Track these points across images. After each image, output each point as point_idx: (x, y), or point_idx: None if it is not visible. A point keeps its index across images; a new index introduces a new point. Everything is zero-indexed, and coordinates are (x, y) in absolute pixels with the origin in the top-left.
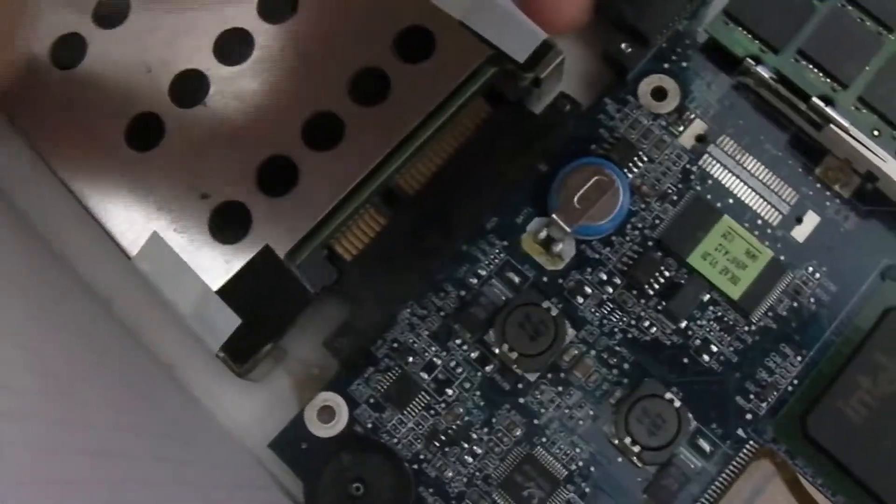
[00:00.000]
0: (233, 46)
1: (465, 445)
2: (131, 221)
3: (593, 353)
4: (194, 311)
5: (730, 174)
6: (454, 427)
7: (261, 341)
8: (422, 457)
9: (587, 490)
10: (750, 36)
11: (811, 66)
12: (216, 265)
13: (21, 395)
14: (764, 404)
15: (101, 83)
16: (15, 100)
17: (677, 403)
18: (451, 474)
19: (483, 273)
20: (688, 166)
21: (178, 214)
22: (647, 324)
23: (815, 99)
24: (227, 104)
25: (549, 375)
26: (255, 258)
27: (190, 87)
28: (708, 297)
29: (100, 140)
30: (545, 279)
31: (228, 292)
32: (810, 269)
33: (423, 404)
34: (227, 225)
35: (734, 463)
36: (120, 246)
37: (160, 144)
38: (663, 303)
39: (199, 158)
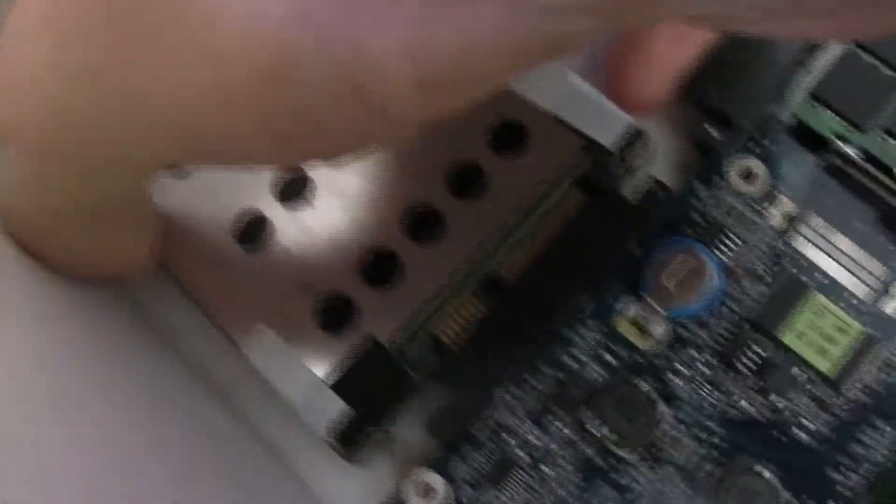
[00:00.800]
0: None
1: None
2: (240, 316)
3: (688, 431)
4: (303, 401)
5: (820, 252)
6: None
7: (368, 428)
8: None
9: None
10: (836, 116)
11: None
12: (323, 356)
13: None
14: (858, 477)
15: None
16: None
17: (773, 480)
18: None
19: (578, 354)
20: (778, 246)
21: (284, 305)
22: (741, 401)
23: None
24: (331, 202)
25: (644, 452)
26: (361, 347)
27: (295, 186)
28: (801, 373)
29: (212, 241)
30: (640, 359)
31: (339, 384)
32: None
33: (520, 483)
34: (331, 315)
35: None
36: (232, 339)
37: (267, 244)
38: (757, 381)
39: (305, 254)
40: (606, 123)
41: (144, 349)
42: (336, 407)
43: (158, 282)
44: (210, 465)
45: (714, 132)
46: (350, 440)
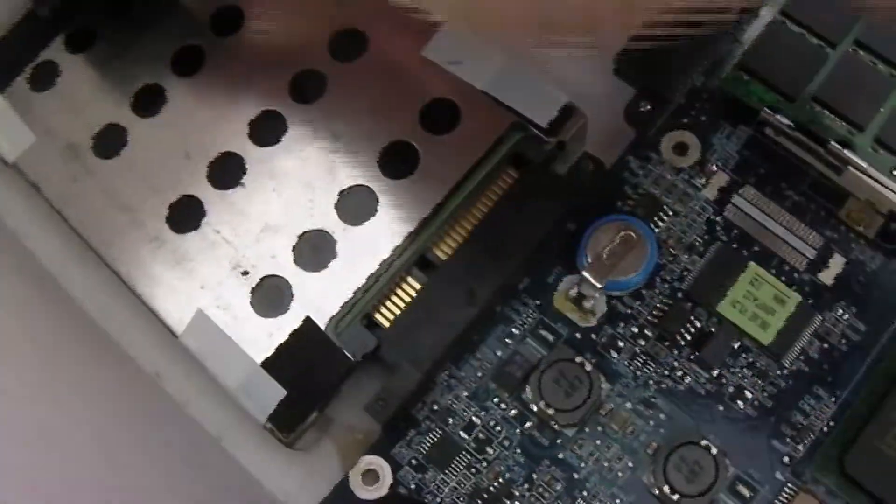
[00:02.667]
0: (267, 128)
1: (508, 502)
2: (176, 301)
3: (629, 405)
4: (240, 385)
5: (754, 222)
6: (496, 485)
7: (306, 411)
8: None
9: None
10: (765, 87)
11: (827, 112)
12: (259, 339)
13: (73, 461)
14: (801, 446)
15: (142, 170)
16: (61, 190)
17: (714, 450)
18: None
19: (517, 332)
20: (712, 217)
21: (220, 292)
22: (680, 374)
23: (833, 143)
24: (264, 183)
25: (587, 429)
26: (296, 330)
27: (228, 168)
28: (739, 343)
29: (143, 224)
30: (578, 335)
31: (273, 365)
32: (839, 310)
33: (464, 463)
34: (268, 299)
35: None
36: (166, 325)
37: (200, 227)
38: (695, 352)
39: (238, 236)
40: (539, 101)
41: (75, 334)
42: (272, 390)
43: (88, 269)
44: (145, 446)
45: (646, 106)
46: (287, 424)
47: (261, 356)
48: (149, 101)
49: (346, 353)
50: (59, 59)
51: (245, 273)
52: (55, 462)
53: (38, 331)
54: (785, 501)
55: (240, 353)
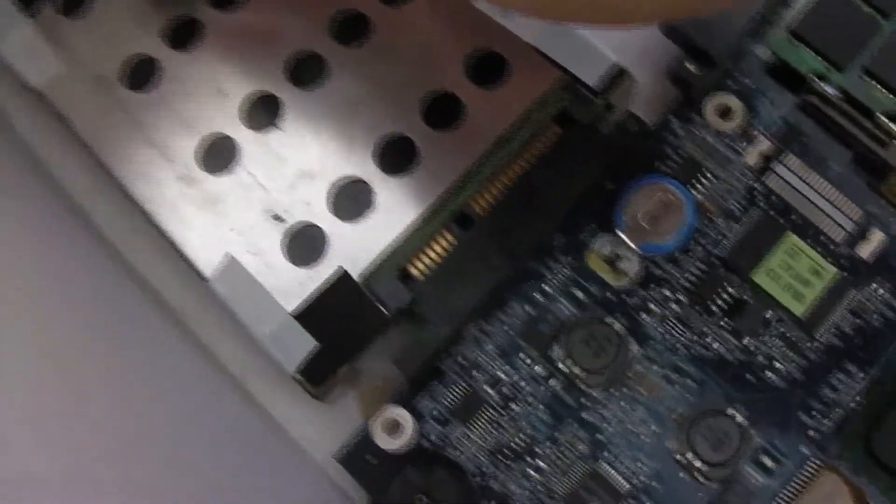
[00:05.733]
0: (306, 70)
1: (530, 460)
2: (205, 243)
3: (657, 369)
4: (270, 334)
5: (794, 192)
6: (519, 441)
7: (337, 364)
8: (486, 471)
9: None
10: (815, 54)
11: (876, 83)
12: (291, 287)
13: (93, 405)
14: (828, 421)
15: (175, 105)
16: (90, 123)
17: (741, 420)
18: (515, 488)
19: (549, 290)
20: (753, 184)
21: (252, 237)
22: (711, 341)
23: (879, 115)
24: (301, 127)
25: (613, 391)
26: (330, 281)
27: (263, 109)
28: (772, 314)
29: (173, 161)
30: (610, 296)
31: (304, 315)
32: (875, 286)
33: (488, 419)
34: (301, 247)
35: (797, 479)
36: (195, 268)
37: (233, 168)
38: (728, 320)
39: (272, 181)
40: (589, 61)
41: (103, 271)
42: (303, 341)
43: (121, 208)
44: (165, 390)
45: (692, 68)
46: (318, 377)
47: (292, 305)
48: (184, 35)
49: (380, 307)
50: None
51: (278, 219)
52: (69, 399)
53: (59, 255)
54: (808, 476)
55: (271, 302)
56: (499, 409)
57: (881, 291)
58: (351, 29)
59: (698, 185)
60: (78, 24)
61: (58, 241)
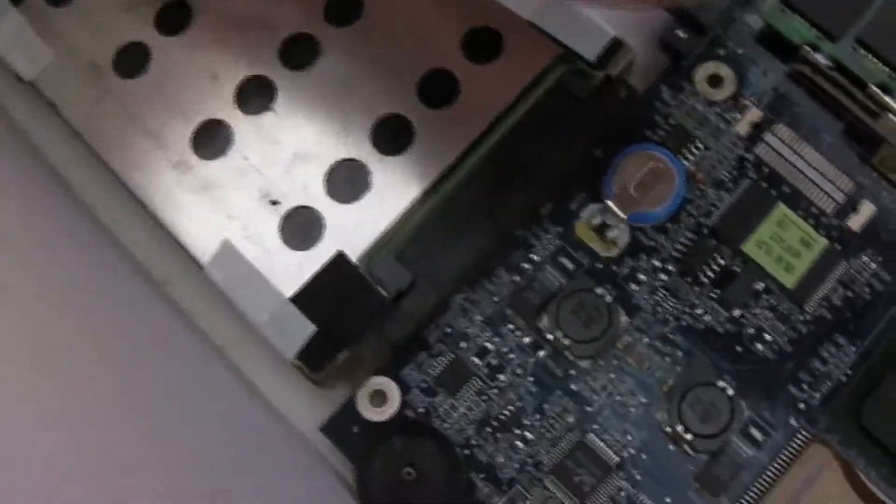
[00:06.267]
0: (299, 52)
1: (517, 431)
2: (201, 229)
3: (646, 340)
4: (268, 320)
5: (785, 162)
6: (506, 412)
7: (337, 349)
8: (473, 442)
9: (638, 478)
10: (807, 23)
11: (868, 54)
12: (289, 272)
13: (78, 376)
14: (817, 394)
15: (167, 91)
16: (81, 111)
17: (730, 392)
18: (502, 460)
19: (537, 259)
20: (743, 154)
21: (248, 221)
22: (700, 311)
23: (872, 87)
24: (296, 110)
25: (602, 362)
26: (328, 264)
27: (257, 93)
28: (762, 285)
29: (167, 148)
30: (599, 265)
31: (302, 300)
32: (865, 258)
33: (475, 389)
34: (298, 231)
35: (786, 452)
36: (191, 254)
37: (227, 152)
38: (717, 291)
39: (268, 165)
40: (587, 34)
41: (96, 253)
42: (301, 326)
43: (117, 197)
44: (151, 361)
45: (682, 34)
46: (317, 362)
47: (290, 290)
48: (174, 19)
49: (380, 290)
50: None
51: (274, 202)
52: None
53: (46, 229)
54: (797, 448)
55: (268, 287)
56: (486, 379)
57: (871, 264)
58: (344, 9)
59: (688, 154)
60: (65, 12)
61: (54, 228)
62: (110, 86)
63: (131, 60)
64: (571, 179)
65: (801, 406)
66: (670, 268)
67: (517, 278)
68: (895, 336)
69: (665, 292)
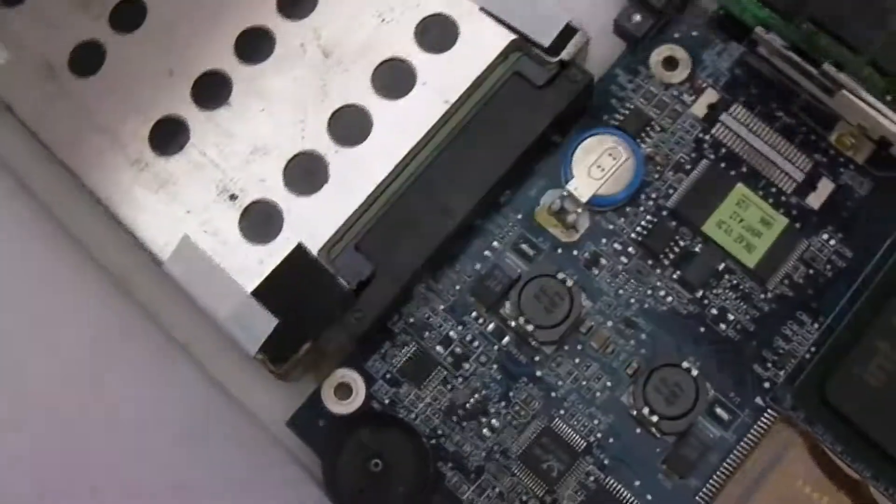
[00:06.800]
0: (253, 45)
1: (483, 419)
2: (160, 226)
3: (610, 323)
4: (230, 315)
5: (743, 142)
6: (472, 401)
7: (299, 341)
8: (440, 432)
9: (606, 462)
10: (760, 4)
11: (823, 33)
12: (249, 266)
13: (45, 381)
14: (782, 372)
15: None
16: (36, 110)
17: (695, 372)
18: (469, 449)
19: (497, 245)
20: (700, 135)
21: (207, 217)
22: (662, 293)
23: (827, 65)
24: (252, 103)
25: (566, 347)
26: (288, 257)
27: (212, 87)
28: (723, 265)
29: (124, 146)
30: (560, 251)
31: (263, 293)
32: (825, 235)
33: (440, 379)
34: (257, 225)
35: (753, 431)
36: (150, 251)
37: (184, 148)
38: (679, 272)
39: (225, 159)
40: (541, 21)
41: (59, 256)
42: (263, 320)
43: (74, 195)
44: (116, 358)
45: (636, 17)
46: (280, 355)
47: (251, 284)
48: (128, 16)
49: (341, 281)
50: None
51: (233, 197)
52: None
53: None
54: (764, 426)
55: (229, 282)
56: (451, 368)
57: (831, 241)
58: (297, 2)
59: (646, 137)
60: (19, 11)
61: (12, 229)
62: (65, 84)
63: (86, 59)
64: (529, 166)
65: (767, 385)
66: (631, 250)
67: (478, 266)
68: (857, 312)
69: (626, 275)
